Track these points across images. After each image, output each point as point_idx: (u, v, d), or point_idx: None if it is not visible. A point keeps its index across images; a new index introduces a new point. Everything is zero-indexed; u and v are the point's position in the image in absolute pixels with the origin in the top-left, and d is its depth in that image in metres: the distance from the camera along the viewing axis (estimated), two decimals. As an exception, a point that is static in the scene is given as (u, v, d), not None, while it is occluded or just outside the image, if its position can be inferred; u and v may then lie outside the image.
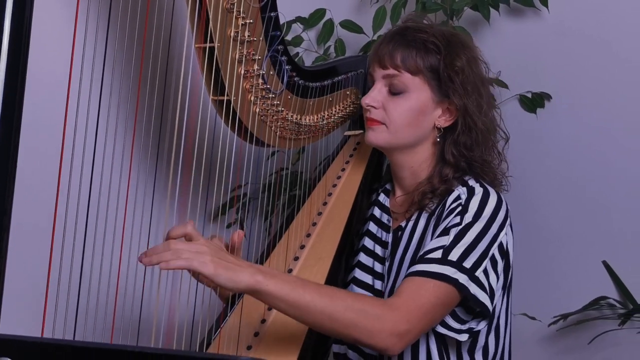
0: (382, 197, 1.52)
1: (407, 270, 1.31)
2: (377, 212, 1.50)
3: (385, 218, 1.48)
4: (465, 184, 1.36)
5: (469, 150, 1.38)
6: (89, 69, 1.04)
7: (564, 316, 1.81)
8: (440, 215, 1.33)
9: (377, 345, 1.18)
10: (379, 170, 1.67)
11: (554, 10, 1.85)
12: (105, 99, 1.13)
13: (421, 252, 1.28)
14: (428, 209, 1.38)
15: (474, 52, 1.43)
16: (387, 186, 1.53)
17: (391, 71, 1.37)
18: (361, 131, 1.63)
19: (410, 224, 1.40)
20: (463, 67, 1.36)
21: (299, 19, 1.91)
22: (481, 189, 1.33)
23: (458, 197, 1.32)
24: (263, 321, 1.30)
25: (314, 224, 1.51)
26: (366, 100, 1.40)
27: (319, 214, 1.54)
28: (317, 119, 1.52)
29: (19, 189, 0.75)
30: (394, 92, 1.38)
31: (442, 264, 1.23)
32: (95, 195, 1.07)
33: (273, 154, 1.72)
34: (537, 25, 1.90)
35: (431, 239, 1.30)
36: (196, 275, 1.20)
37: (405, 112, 1.37)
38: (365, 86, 1.65)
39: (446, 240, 1.26)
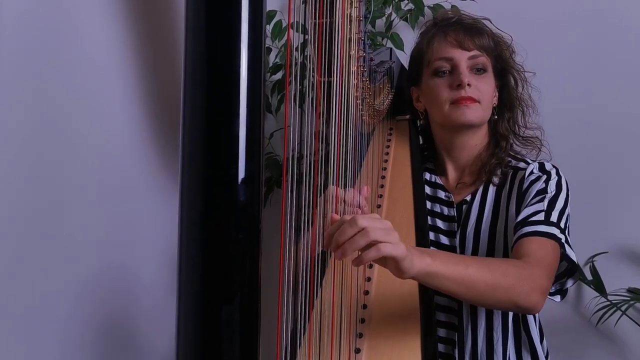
0: (428, 176, 1.58)
1: (487, 241, 1.41)
2: (428, 190, 1.56)
3: (442, 194, 1.54)
4: (525, 161, 1.48)
5: (517, 122, 1.53)
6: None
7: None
8: (521, 187, 1.43)
9: (529, 305, 1.19)
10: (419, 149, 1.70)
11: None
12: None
13: (519, 219, 1.35)
14: (494, 183, 1.48)
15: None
16: (428, 165, 1.60)
17: (475, 52, 1.46)
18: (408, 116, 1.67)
19: (478, 197, 1.49)
20: (510, 53, 1.52)
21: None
22: (549, 162, 1.47)
23: (532, 172, 1.44)
24: (364, 306, 1.25)
25: (380, 196, 1.53)
26: (465, 78, 1.43)
27: (381, 186, 1.56)
28: (378, 103, 1.55)
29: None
30: (478, 71, 1.46)
31: (548, 225, 1.32)
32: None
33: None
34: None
35: (519, 208, 1.39)
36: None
37: (490, 90, 1.48)
38: (392, 76, 1.70)
39: (542, 205, 1.35)
